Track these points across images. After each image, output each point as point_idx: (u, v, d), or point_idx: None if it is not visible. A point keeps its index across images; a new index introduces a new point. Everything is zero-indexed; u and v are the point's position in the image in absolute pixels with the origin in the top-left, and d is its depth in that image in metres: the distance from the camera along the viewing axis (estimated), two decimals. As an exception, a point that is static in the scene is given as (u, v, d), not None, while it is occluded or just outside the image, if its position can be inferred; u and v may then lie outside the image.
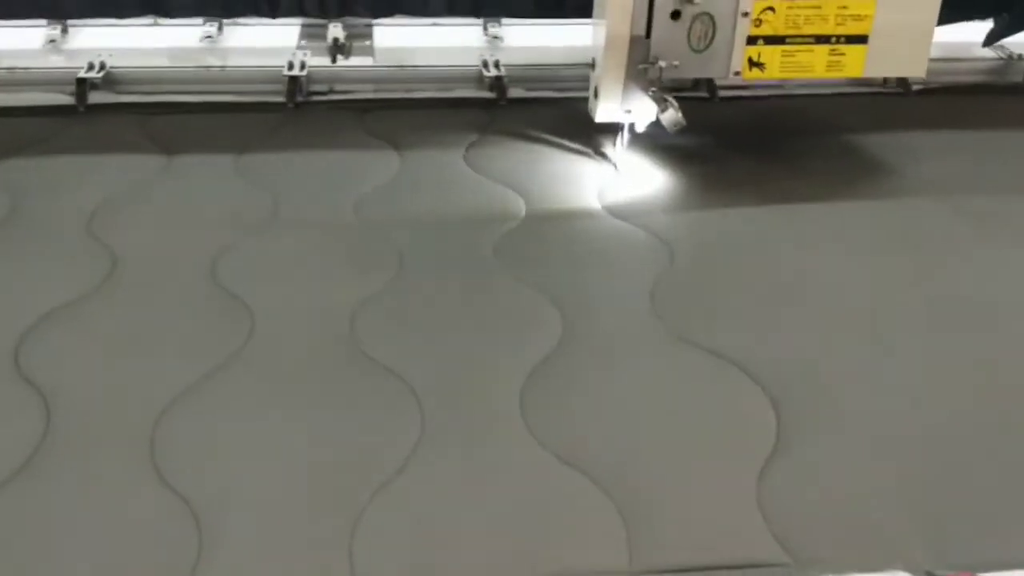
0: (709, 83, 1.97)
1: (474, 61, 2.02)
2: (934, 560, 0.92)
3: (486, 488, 1.01)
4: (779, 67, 1.59)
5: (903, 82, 2.04)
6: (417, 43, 2.14)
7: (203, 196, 1.58)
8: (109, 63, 1.93)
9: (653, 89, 1.58)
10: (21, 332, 1.22)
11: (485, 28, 2.23)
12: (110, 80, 1.91)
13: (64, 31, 2.18)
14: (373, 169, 1.67)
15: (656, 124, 1.61)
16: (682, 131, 1.56)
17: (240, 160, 1.69)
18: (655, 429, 1.10)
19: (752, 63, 1.58)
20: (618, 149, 1.73)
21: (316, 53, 2.06)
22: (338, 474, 1.02)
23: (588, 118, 1.67)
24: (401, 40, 2.15)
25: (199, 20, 2.20)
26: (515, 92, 1.96)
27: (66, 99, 1.86)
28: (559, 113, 1.87)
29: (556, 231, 1.51)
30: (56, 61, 2.06)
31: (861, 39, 1.60)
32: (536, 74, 2.01)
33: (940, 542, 0.96)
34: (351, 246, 1.45)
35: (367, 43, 2.16)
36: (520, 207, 1.57)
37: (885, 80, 2.05)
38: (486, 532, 0.96)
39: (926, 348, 1.25)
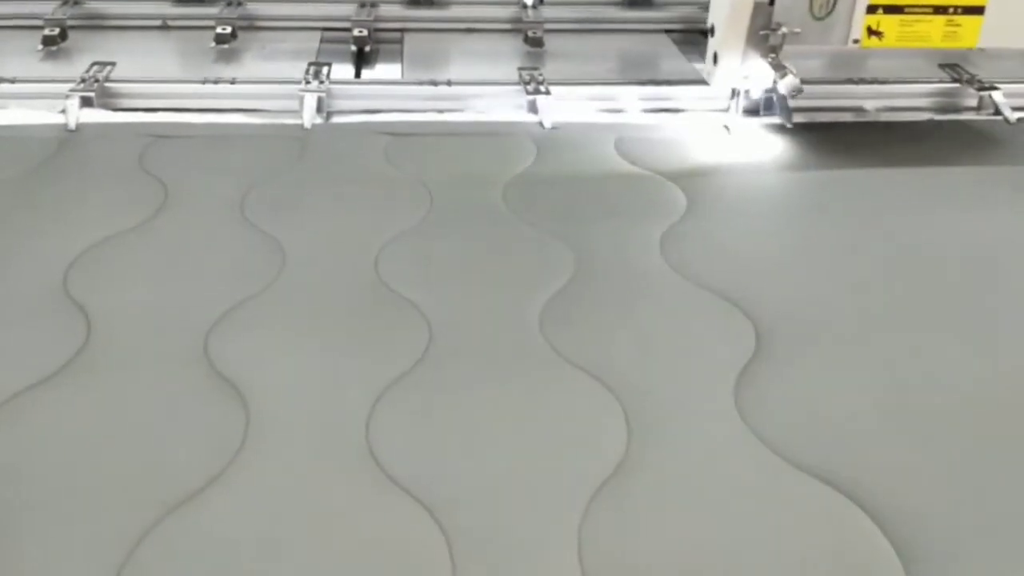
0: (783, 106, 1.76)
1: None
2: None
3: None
4: (897, 36, 1.61)
5: (1001, 108, 1.81)
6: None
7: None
8: (105, 76, 1.72)
9: (772, 56, 1.60)
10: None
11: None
12: (106, 95, 1.71)
13: (63, 35, 1.98)
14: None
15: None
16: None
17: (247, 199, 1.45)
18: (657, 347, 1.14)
19: (871, 31, 1.60)
20: (732, 114, 1.75)
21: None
22: (357, 371, 1.08)
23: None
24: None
25: (211, 23, 2.01)
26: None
27: (55, 117, 1.65)
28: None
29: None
30: (48, 70, 1.86)
31: (978, 10, 1.61)
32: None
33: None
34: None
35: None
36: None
37: (980, 104, 1.82)
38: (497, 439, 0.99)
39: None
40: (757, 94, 1.71)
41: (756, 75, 1.64)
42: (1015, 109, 1.84)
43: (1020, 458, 0.99)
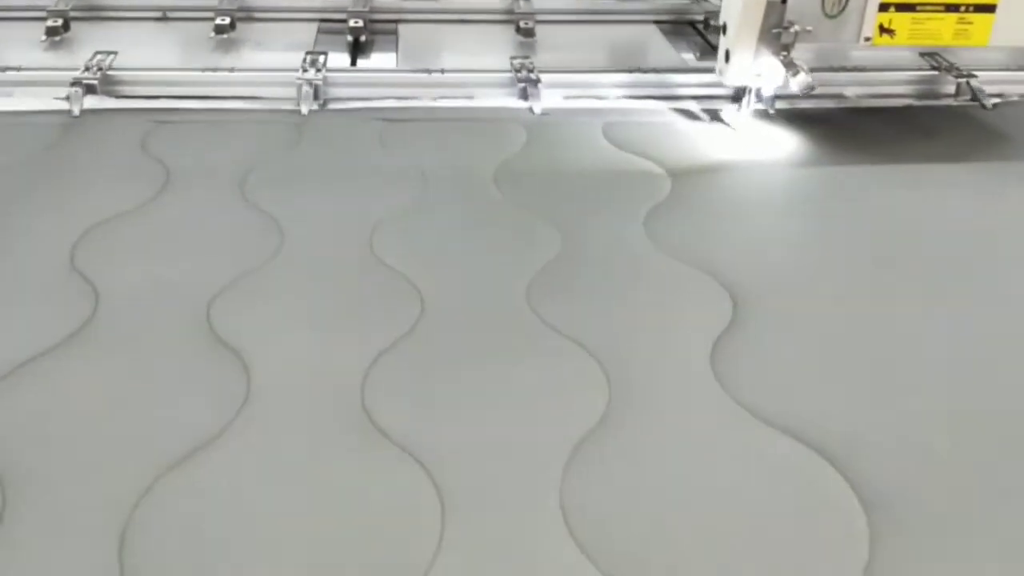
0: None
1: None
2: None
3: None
4: (908, 34, 1.63)
5: (978, 94, 1.86)
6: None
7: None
8: (108, 64, 1.77)
9: (784, 54, 1.60)
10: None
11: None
12: (109, 83, 1.76)
13: (66, 26, 2.02)
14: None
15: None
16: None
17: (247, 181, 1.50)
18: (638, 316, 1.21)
19: (883, 29, 1.62)
20: (742, 112, 1.78)
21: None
22: (353, 339, 1.13)
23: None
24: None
25: (210, 14, 2.06)
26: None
27: (59, 104, 1.71)
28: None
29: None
30: (52, 59, 1.91)
31: (989, 8, 1.62)
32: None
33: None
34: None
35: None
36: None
37: (958, 91, 1.88)
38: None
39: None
40: (768, 92, 1.73)
41: (768, 73, 1.64)
42: (991, 95, 1.90)
43: (983, 415, 1.04)
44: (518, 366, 1.10)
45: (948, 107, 1.88)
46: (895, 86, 1.92)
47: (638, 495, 0.93)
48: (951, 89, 1.91)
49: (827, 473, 0.95)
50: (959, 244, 1.39)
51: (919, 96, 1.91)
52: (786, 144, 1.69)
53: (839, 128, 1.76)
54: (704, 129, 1.74)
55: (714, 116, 1.78)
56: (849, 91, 1.89)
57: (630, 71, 1.88)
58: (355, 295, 1.22)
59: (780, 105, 1.78)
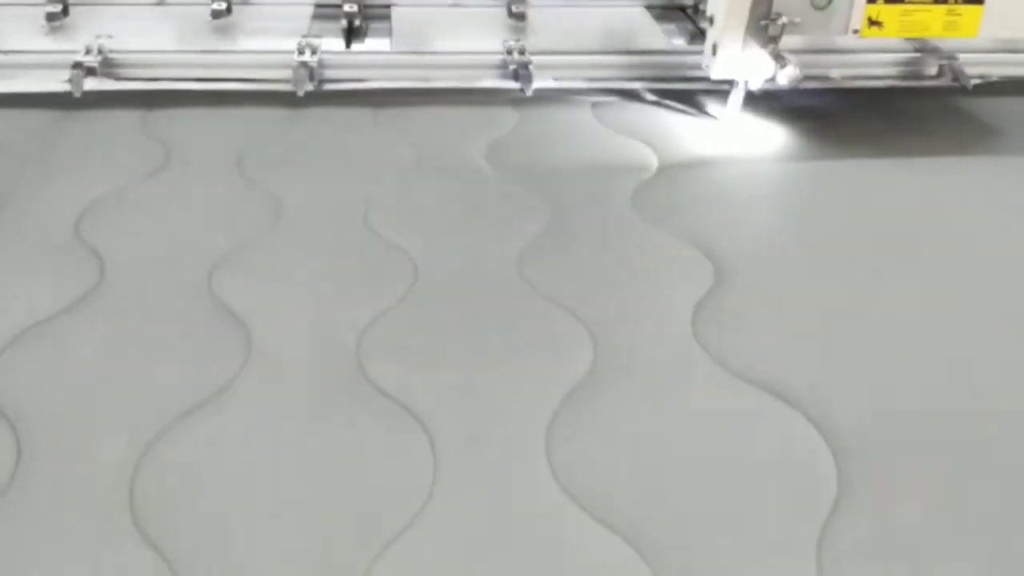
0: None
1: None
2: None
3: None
4: (898, 26, 1.62)
5: (959, 75, 1.90)
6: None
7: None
8: (108, 47, 1.81)
9: (772, 46, 1.59)
10: None
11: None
12: (109, 65, 1.80)
13: (65, 11, 2.06)
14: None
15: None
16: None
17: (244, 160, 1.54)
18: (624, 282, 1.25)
19: (871, 22, 1.61)
20: (731, 106, 1.76)
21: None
22: (349, 302, 1.19)
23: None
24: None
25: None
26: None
27: (61, 86, 1.75)
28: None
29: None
30: (53, 43, 1.95)
31: (978, 0, 1.62)
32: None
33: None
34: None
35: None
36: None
37: (940, 72, 1.91)
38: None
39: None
40: (756, 86, 1.71)
41: (756, 65, 1.63)
42: (973, 77, 1.94)
43: (942, 367, 1.10)
44: (507, 328, 1.15)
45: (934, 96, 1.91)
46: (879, 67, 1.96)
47: (620, 443, 0.98)
48: (934, 71, 1.96)
49: (798, 422, 1.00)
50: (935, 220, 1.44)
51: (902, 77, 1.95)
52: (770, 122, 1.73)
53: (824, 107, 1.81)
54: (692, 110, 1.78)
55: (702, 99, 1.82)
56: (834, 72, 1.93)
57: (619, 53, 1.93)
58: (351, 264, 1.27)
59: (767, 86, 1.82)
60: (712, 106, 1.79)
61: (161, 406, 1.00)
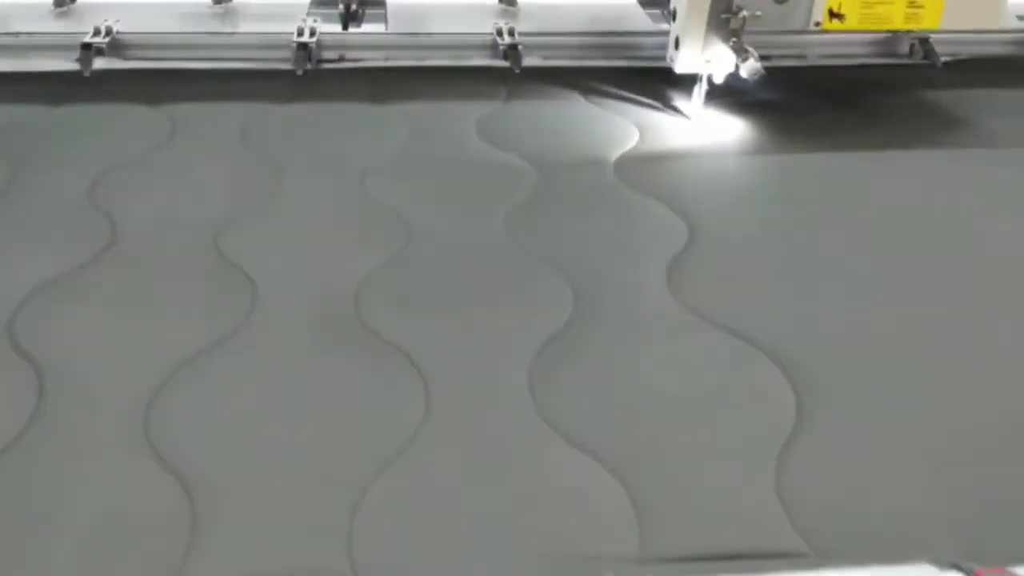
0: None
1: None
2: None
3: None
4: (858, 19, 1.64)
5: (930, 54, 1.98)
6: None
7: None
8: (116, 28, 1.89)
9: (734, 40, 1.61)
10: (14, 308, 1.16)
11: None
12: (116, 45, 1.88)
13: (71, -6, 2.14)
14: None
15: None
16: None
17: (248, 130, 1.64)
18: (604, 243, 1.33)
19: (832, 14, 1.63)
20: (695, 100, 1.79)
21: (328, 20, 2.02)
22: (347, 258, 1.27)
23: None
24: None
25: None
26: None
27: (71, 65, 1.83)
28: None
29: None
30: (61, 25, 2.03)
31: None
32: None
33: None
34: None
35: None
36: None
37: (911, 51, 2.00)
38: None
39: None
40: (720, 79, 1.71)
41: (718, 59, 1.65)
42: (943, 55, 2.03)
43: (893, 318, 1.19)
44: (494, 281, 1.24)
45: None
46: (852, 47, 2.04)
47: (597, 378, 1.07)
48: (905, 49, 2.04)
49: (761, 361, 1.09)
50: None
51: (874, 55, 2.04)
52: (748, 95, 1.79)
53: (797, 83, 1.89)
54: (672, 84, 1.86)
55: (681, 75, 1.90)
56: (808, 51, 2.01)
57: (604, 34, 2.01)
58: (349, 224, 1.36)
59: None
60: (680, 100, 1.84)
61: (173, 350, 1.09)
